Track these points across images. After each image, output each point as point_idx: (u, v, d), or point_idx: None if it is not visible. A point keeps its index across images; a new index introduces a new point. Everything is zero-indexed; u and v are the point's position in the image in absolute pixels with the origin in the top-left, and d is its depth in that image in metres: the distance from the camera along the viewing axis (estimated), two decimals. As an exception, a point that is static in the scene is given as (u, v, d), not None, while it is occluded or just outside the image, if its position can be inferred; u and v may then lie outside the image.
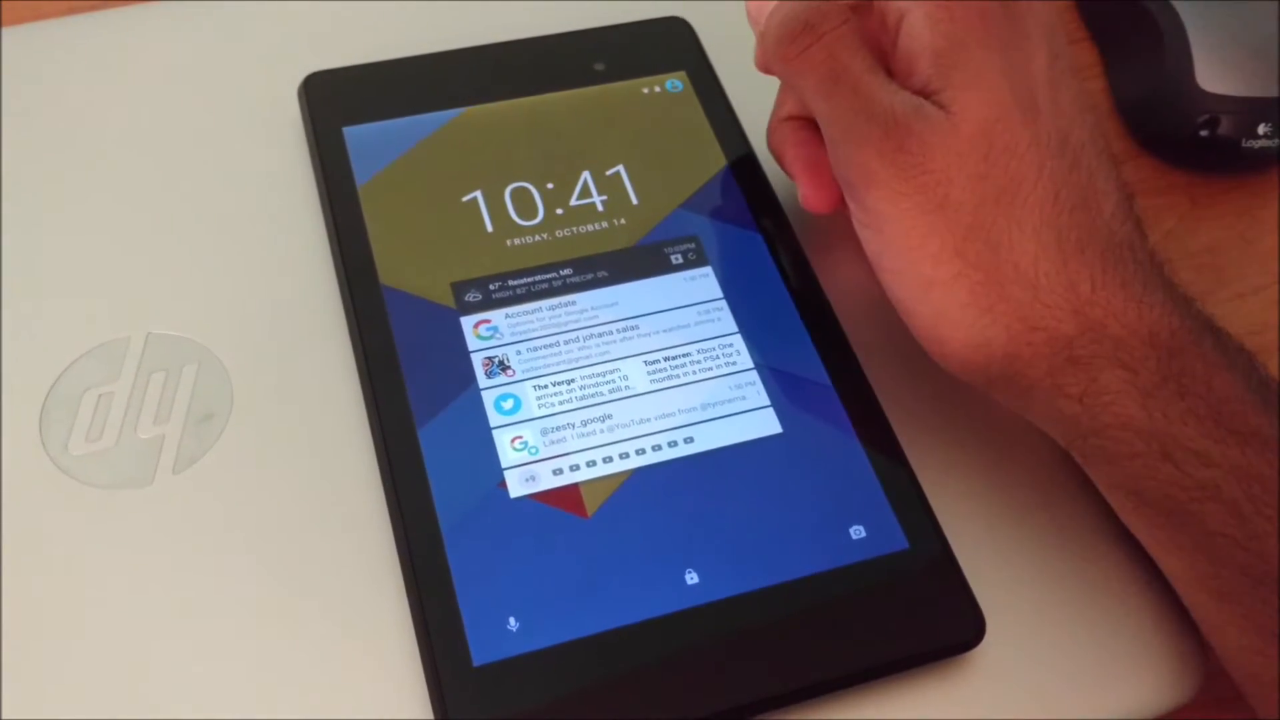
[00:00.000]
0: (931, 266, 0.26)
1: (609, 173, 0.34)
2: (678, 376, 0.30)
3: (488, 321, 0.30)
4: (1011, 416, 0.31)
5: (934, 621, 0.27)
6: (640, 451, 0.29)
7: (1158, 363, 0.25)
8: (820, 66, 0.27)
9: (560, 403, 0.29)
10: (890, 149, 0.26)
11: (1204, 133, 0.39)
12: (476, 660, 0.26)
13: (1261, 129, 0.38)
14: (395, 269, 0.31)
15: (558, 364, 0.30)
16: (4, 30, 0.37)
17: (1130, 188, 0.28)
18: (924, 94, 0.27)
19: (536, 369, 0.30)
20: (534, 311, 0.31)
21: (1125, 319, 0.26)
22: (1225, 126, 0.38)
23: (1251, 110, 0.38)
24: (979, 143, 0.26)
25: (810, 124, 0.31)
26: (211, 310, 0.31)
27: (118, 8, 0.38)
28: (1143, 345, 0.25)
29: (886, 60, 0.29)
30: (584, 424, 0.29)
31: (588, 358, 0.30)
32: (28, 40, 0.36)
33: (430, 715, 0.25)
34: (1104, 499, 0.30)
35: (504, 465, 0.28)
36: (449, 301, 0.31)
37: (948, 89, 0.27)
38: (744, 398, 0.30)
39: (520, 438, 0.29)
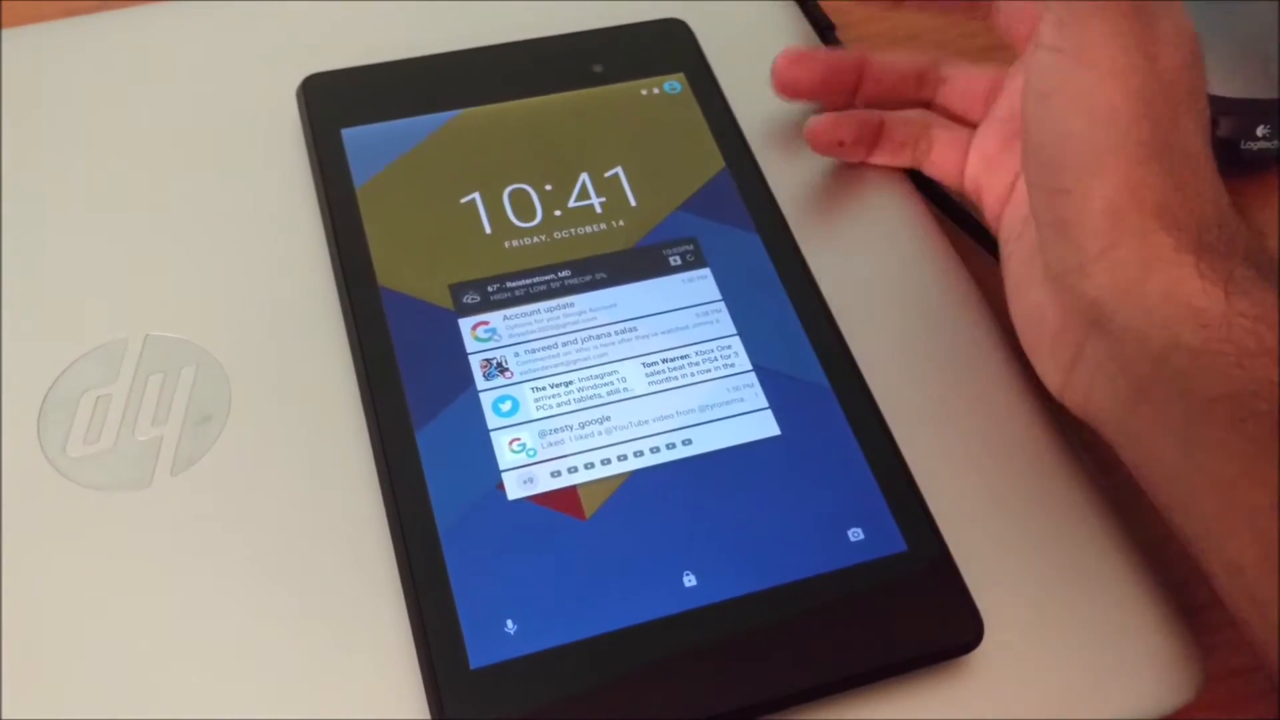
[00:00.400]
0: (1126, 98, 0.26)
1: (607, 174, 0.34)
2: (676, 378, 0.30)
3: (486, 323, 0.30)
4: (1012, 417, 0.31)
5: (932, 624, 0.27)
6: (638, 453, 0.29)
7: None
8: None
9: (558, 405, 0.29)
10: (1144, 22, 0.26)
11: (1203, 134, 0.39)
12: (474, 662, 0.26)
13: (1260, 130, 0.38)
14: (393, 270, 0.31)
15: (556, 366, 0.30)
16: (4, 32, 0.37)
17: None
18: None
19: (535, 371, 0.30)
20: (532, 313, 0.31)
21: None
22: (1224, 128, 0.38)
23: (1250, 112, 0.38)
24: (1196, 63, 0.27)
25: None
26: (210, 312, 0.31)
27: (116, 10, 0.38)
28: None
29: None
30: (582, 426, 0.29)
31: (586, 359, 0.30)
32: (26, 42, 0.36)
33: (427, 717, 0.25)
34: (1107, 499, 0.30)
35: (502, 467, 0.28)
36: (447, 303, 0.31)
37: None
38: (742, 400, 0.30)
39: (518, 439, 0.29)
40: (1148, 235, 0.26)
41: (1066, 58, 0.26)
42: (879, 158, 0.35)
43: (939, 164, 0.35)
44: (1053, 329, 0.29)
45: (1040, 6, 0.29)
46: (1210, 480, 0.25)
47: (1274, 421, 0.24)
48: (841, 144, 0.35)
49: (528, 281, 0.31)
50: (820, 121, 0.34)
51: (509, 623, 0.26)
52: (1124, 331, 0.26)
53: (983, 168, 0.33)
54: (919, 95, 0.35)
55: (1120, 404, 0.27)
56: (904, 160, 0.35)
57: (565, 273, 0.32)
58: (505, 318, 0.31)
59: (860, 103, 0.35)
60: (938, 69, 0.35)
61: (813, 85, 0.35)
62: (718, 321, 0.31)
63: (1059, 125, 0.27)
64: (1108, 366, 0.27)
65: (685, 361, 0.30)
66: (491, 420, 0.29)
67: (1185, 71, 0.26)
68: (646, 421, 0.29)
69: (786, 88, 0.35)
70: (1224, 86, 0.38)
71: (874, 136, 0.35)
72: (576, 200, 0.33)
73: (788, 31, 0.39)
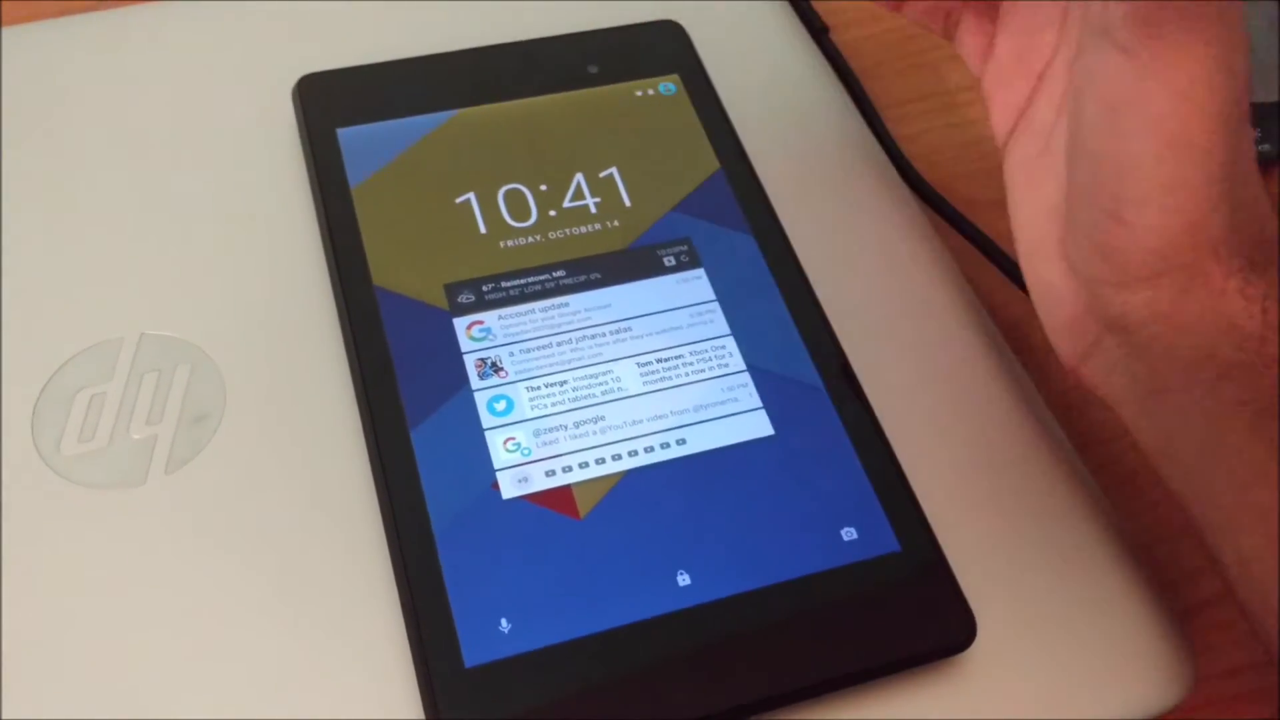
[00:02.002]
0: (1204, 128, 0.24)
1: (602, 175, 0.34)
2: (670, 378, 0.30)
3: (480, 323, 0.31)
4: (1002, 419, 0.31)
5: (925, 624, 0.27)
6: (633, 453, 0.29)
7: None
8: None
9: (553, 404, 0.29)
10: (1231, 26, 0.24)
11: (1196, 137, 0.39)
12: (468, 661, 0.26)
13: (1256, 135, 0.39)
14: (388, 270, 0.31)
15: (550, 365, 0.30)
16: (2, 30, 0.37)
17: None
18: None
19: (529, 370, 0.30)
20: (527, 313, 0.31)
21: None
22: (1218, 131, 0.38)
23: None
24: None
25: None
26: (205, 311, 0.31)
27: (112, 9, 0.38)
28: None
29: None
30: (577, 425, 0.29)
31: (580, 359, 0.30)
32: (23, 40, 0.36)
33: (422, 716, 0.25)
34: (1099, 500, 0.30)
35: (496, 466, 0.28)
36: (442, 303, 0.31)
37: None
38: (736, 400, 0.30)
39: (513, 439, 0.29)
40: (1199, 265, 0.25)
41: (1140, 66, 0.24)
42: (908, 13, 0.32)
43: (965, 42, 0.31)
44: (1069, 314, 0.28)
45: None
46: (1227, 477, 0.25)
47: None
48: None
49: (522, 281, 0.31)
50: None
51: (503, 621, 0.26)
52: (1152, 342, 0.26)
53: (995, 78, 0.30)
54: None
55: (1139, 395, 0.27)
56: (935, 22, 0.32)
57: (560, 273, 0.32)
58: (500, 317, 0.31)
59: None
60: None
61: None
62: (712, 322, 0.31)
63: (1126, 145, 0.25)
64: (1128, 364, 0.27)
65: (679, 361, 0.30)
66: (486, 419, 0.29)
67: (1249, 81, 0.25)
68: (641, 421, 0.29)
69: None
70: (1216, 90, 0.39)
71: None
72: (571, 200, 0.33)
73: (781, 33, 0.39)
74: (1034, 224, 0.28)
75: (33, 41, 0.36)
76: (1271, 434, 0.24)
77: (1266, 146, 0.39)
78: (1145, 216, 0.25)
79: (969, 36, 0.31)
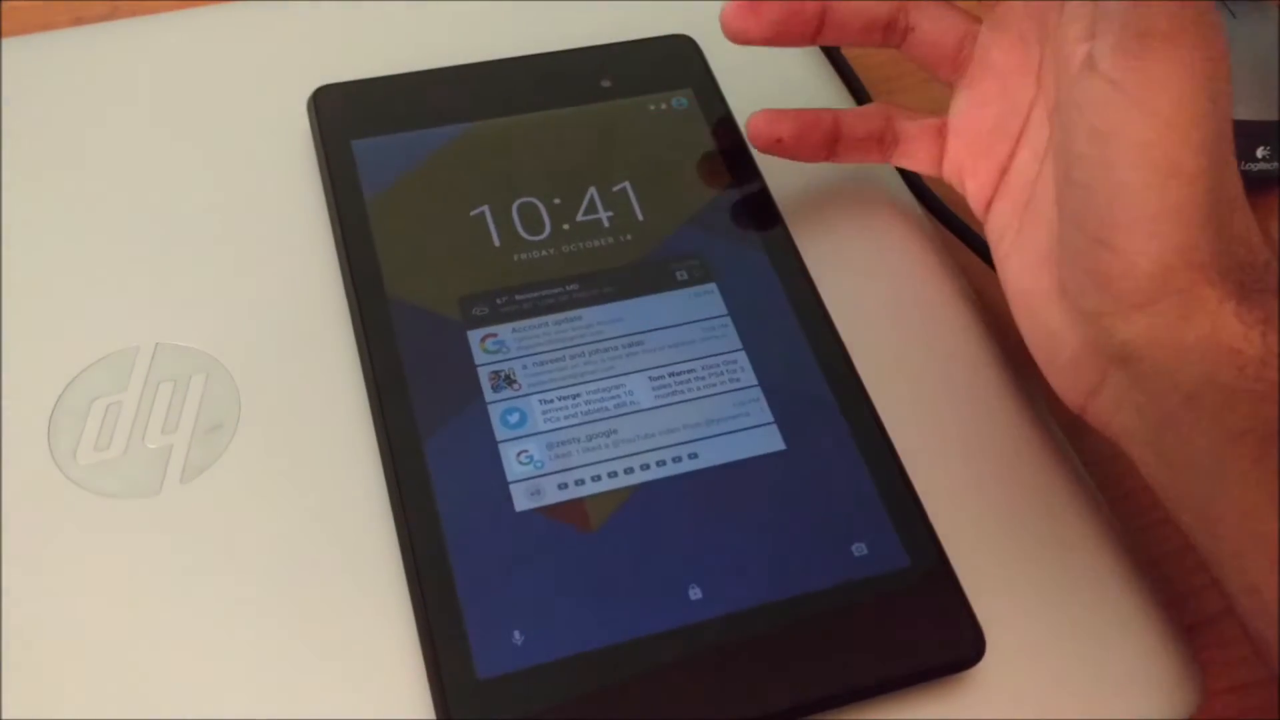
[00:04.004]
0: (1190, 154, 0.25)
1: (615, 189, 0.34)
2: (682, 392, 0.30)
3: (494, 335, 0.31)
4: (1014, 434, 0.31)
5: (934, 639, 0.27)
6: (645, 467, 0.29)
7: None
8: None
9: (566, 417, 0.30)
10: (1199, 12, 0.24)
11: (1204, 155, 0.39)
12: (481, 673, 0.26)
13: (1261, 152, 0.39)
14: (403, 282, 0.31)
15: (563, 378, 0.30)
16: (16, 40, 0.37)
17: None
18: None
19: (542, 383, 0.30)
20: (540, 326, 0.31)
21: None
22: (1225, 149, 0.39)
23: (1251, 133, 0.39)
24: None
25: None
26: (220, 321, 0.31)
27: (127, 20, 0.38)
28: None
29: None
30: (589, 439, 0.29)
31: (593, 372, 0.30)
32: (40, 51, 0.37)
33: (435, 727, 0.25)
34: (1107, 517, 0.30)
35: (509, 479, 0.28)
36: (456, 315, 0.31)
37: None
38: (747, 414, 0.30)
39: (526, 451, 0.29)
40: (1194, 290, 0.25)
41: (1126, 98, 0.25)
42: (844, 158, 0.34)
43: (912, 156, 0.33)
44: (1071, 354, 0.28)
45: (1032, 9, 0.28)
46: (1232, 507, 0.26)
47: None
48: (780, 141, 0.33)
49: (536, 294, 0.31)
50: (758, 117, 0.33)
51: (516, 634, 0.26)
52: (1155, 371, 0.26)
53: (966, 154, 0.32)
54: (885, 43, 0.33)
55: (1144, 429, 0.27)
56: (872, 157, 0.34)
57: (573, 286, 0.32)
58: (514, 330, 0.31)
59: (821, 42, 0.33)
60: (907, 15, 0.32)
61: (762, 31, 0.32)
62: (723, 336, 0.31)
63: (1115, 174, 0.25)
64: (1133, 397, 0.27)
65: (691, 376, 0.31)
66: (499, 432, 0.29)
67: (1232, 105, 0.25)
68: (653, 435, 0.29)
69: (736, 35, 0.32)
70: (1225, 108, 0.39)
71: (828, 138, 0.33)
72: (584, 214, 0.33)
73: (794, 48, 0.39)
74: (1027, 273, 0.30)
75: (52, 52, 0.37)
76: (1275, 462, 0.25)
77: (1269, 164, 0.39)
78: (1136, 242, 0.25)
79: (920, 152, 0.33)
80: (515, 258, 0.32)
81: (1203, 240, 0.25)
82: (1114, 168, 0.25)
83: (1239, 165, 0.38)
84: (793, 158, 0.34)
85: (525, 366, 0.30)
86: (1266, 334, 0.25)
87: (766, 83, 0.38)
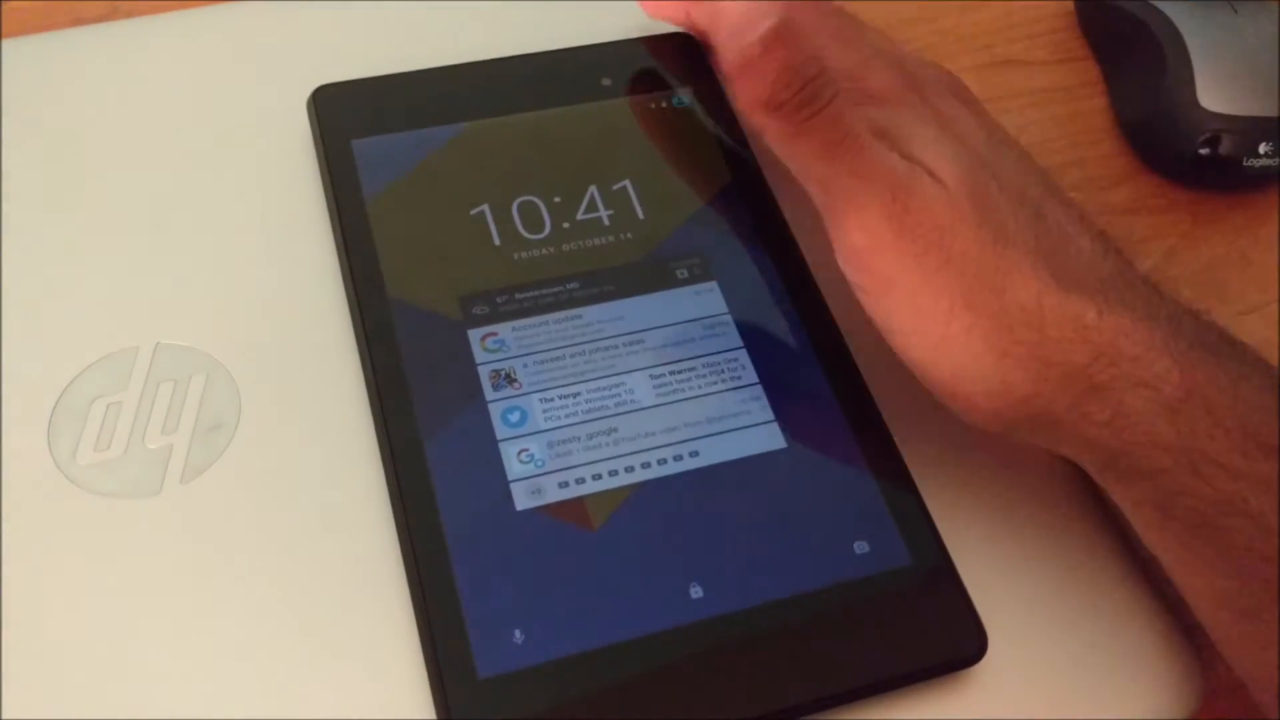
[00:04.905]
0: (944, 323, 0.26)
1: (615, 187, 0.34)
2: (683, 391, 0.30)
3: (494, 334, 0.31)
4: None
5: (936, 637, 0.27)
6: (645, 465, 0.29)
7: (1180, 375, 0.25)
8: (827, 130, 0.27)
9: (566, 416, 0.29)
10: (898, 211, 0.26)
11: (1205, 151, 0.39)
12: (481, 672, 0.26)
13: (1263, 148, 0.39)
14: (403, 281, 0.31)
15: (564, 377, 0.30)
16: (16, 40, 0.37)
17: (1104, 227, 0.29)
18: None
19: (543, 382, 0.30)
20: (540, 325, 0.31)
21: (1136, 336, 0.26)
22: (1226, 145, 0.39)
23: (1253, 129, 0.39)
24: (968, 196, 0.27)
25: None
26: (220, 321, 0.31)
27: (126, 20, 0.38)
28: (1161, 359, 0.25)
29: None
30: (590, 437, 0.29)
31: (594, 371, 0.30)
32: (39, 50, 0.37)
33: (435, 727, 0.25)
34: (1108, 515, 0.30)
35: (510, 478, 0.28)
36: (456, 314, 0.31)
37: (912, 154, 0.27)
38: (748, 412, 0.30)
39: (526, 450, 0.29)
40: (1032, 420, 0.27)
41: (870, 295, 0.27)
42: None
43: None
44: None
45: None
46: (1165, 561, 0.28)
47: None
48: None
49: (536, 293, 0.31)
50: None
51: (516, 633, 0.26)
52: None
53: None
54: None
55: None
56: None
57: (573, 285, 0.32)
58: (514, 329, 0.31)
59: None
60: None
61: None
62: (724, 334, 0.31)
63: (908, 356, 0.28)
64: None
65: (692, 374, 0.30)
66: (500, 430, 0.29)
67: (977, 232, 0.26)
68: (654, 433, 0.29)
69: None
70: (1226, 104, 0.39)
71: None
72: (585, 213, 0.33)
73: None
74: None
75: (51, 52, 0.37)
76: (1177, 534, 0.26)
77: (1271, 160, 0.39)
78: (956, 400, 0.27)
79: None
80: (515, 256, 0.32)
81: (1012, 374, 0.26)
82: (904, 349, 0.27)
83: (1241, 161, 0.39)
84: None
85: (526, 365, 0.30)
86: (1115, 425, 0.26)
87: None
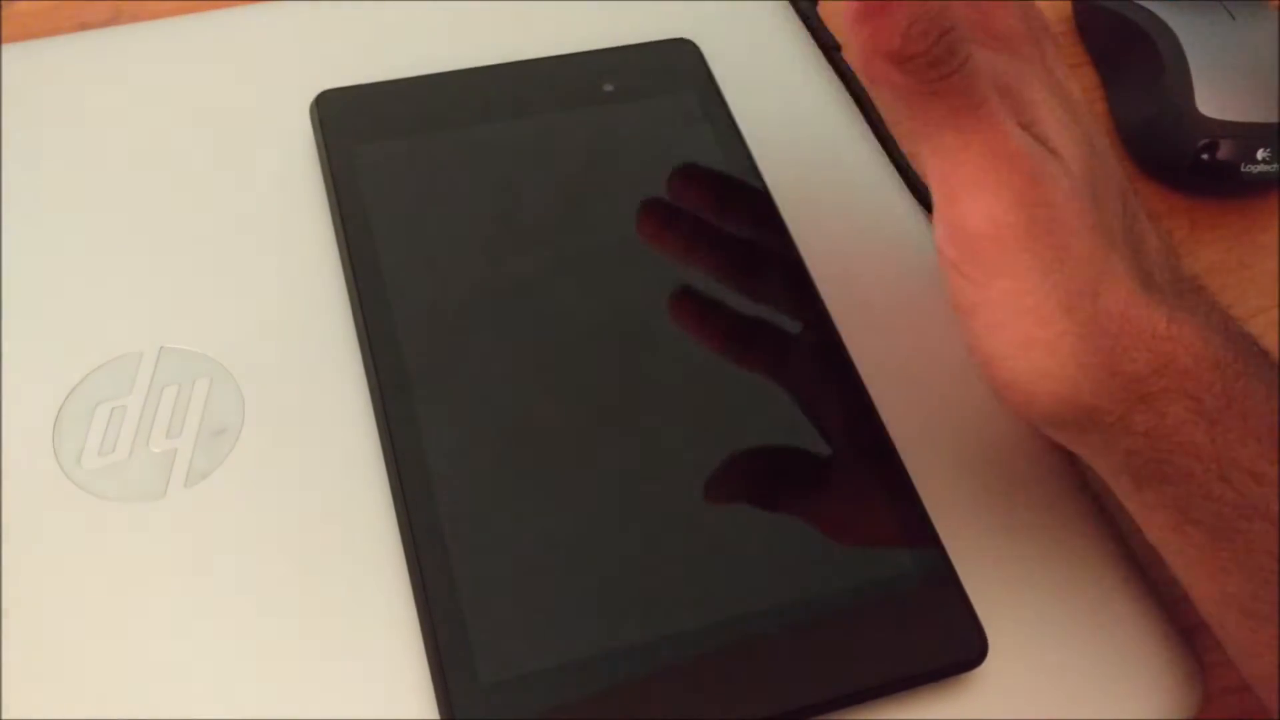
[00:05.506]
0: (1038, 325, 0.24)
1: (618, 192, 0.34)
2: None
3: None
4: (1015, 436, 0.31)
5: (936, 641, 0.27)
6: (648, 469, 0.29)
7: (1223, 387, 0.25)
8: (961, 95, 0.23)
9: (568, 420, 0.30)
10: (1033, 202, 0.24)
11: (1204, 157, 0.39)
12: (484, 674, 0.26)
13: (1261, 154, 0.39)
14: (406, 285, 0.31)
15: (566, 381, 0.30)
16: (18, 45, 0.37)
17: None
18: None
19: (545, 386, 0.30)
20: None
21: (1194, 349, 0.25)
22: (1225, 151, 0.39)
23: (1251, 135, 0.39)
24: (1089, 191, 0.25)
25: None
26: (224, 325, 0.32)
27: (128, 25, 0.38)
28: (1209, 371, 0.25)
29: None
30: (592, 441, 0.29)
31: (596, 375, 0.30)
32: (42, 55, 0.37)
33: (439, 730, 0.26)
34: (1108, 519, 0.30)
35: (513, 481, 0.29)
36: (459, 318, 0.31)
37: (1039, 131, 0.25)
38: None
39: (529, 454, 0.29)
40: (1090, 420, 0.25)
41: (970, 282, 0.25)
42: None
43: None
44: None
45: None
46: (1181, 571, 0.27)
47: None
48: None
49: (539, 298, 0.32)
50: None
51: (520, 636, 0.26)
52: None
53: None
54: None
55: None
56: None
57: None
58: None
59: None
60: None
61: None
62: (726, 339, 0.31)
63: (982, 344, 0.26)
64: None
65: (694, 378, 0.31)
66: (503, 434, 0.29)
67: (1093, 235, 0.25)
68: (656, 438, 0.30)
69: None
70: (1224, 110, 0.39)
71: None
72: (588, 217, 0.33)
73: (795, 51, 0.39)
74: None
75: (54, 57, 0.37)
76: (1194, 537, 0.26)
77: (1269, 166, 0.39)
78: (1016, 396, 0.26)
79: None
80: (519, 261, 0.32)
81: (1084, 383, 0.25)
82: (981, 338, 0.25)
83: (1240, 167, 0.39)
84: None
85: (528, 369, 0.30)
86: (1153, 435, 0.25)
87: (768, 86, 0.38)
